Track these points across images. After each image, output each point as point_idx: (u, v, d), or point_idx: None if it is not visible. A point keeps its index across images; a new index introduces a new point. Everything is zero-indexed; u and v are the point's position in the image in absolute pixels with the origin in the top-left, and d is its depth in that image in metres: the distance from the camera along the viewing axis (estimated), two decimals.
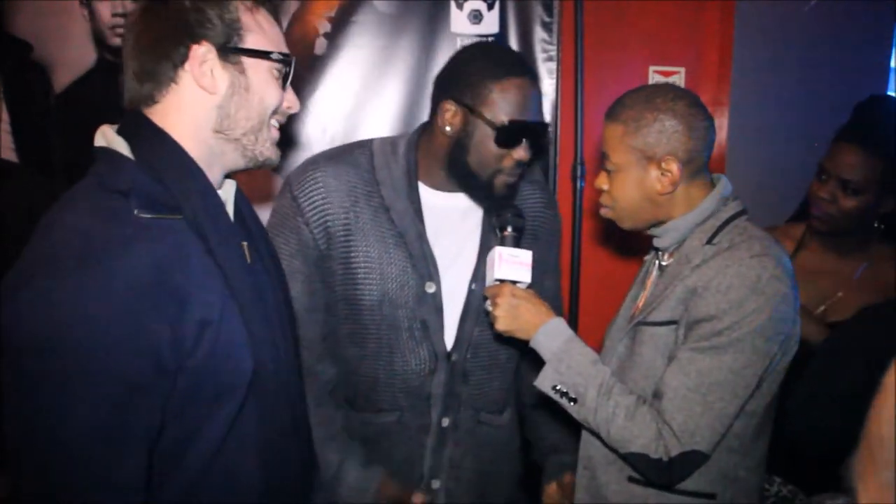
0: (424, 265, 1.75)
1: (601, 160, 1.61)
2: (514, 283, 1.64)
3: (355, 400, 1.85)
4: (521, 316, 1.59)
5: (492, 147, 1.67)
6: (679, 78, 2.79)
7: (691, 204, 1.55)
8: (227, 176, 1.33)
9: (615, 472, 1.59)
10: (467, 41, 2.51)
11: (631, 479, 1.57)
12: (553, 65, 2.57)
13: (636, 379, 1.54)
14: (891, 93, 2.98)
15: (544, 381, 1.56)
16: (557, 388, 1.54)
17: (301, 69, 2.50)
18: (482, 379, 1.86)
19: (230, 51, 1.20)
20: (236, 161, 1.27)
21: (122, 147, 1.19)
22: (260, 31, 1.23)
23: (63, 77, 2.62)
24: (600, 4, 2.67)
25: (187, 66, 1.19)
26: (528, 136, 1.68)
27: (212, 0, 1.19)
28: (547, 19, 2.56)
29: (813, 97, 2.84)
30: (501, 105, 1.65)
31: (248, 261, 1.27)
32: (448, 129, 1.70)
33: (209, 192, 1.21)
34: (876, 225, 2.04)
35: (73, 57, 2.60)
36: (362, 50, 2.55)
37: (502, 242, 1.67)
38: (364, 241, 1.73)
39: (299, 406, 1.40)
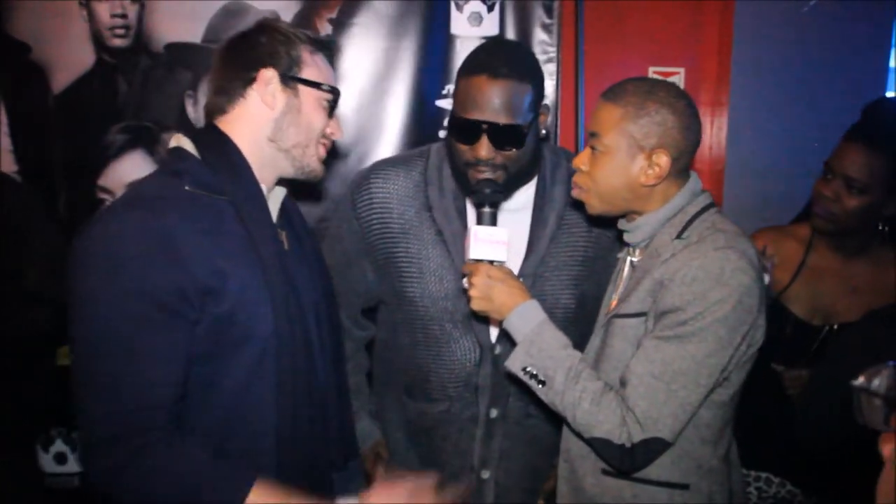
0: (461, 260, 1.82)
1: (588, 138, 1.61)
2: (492, 262, 1.66)
3: (411, 390, 1.96)
4: (495, 297, 1.62)
5: (454, 143, 1.77)
6: (679, 78, 2.79)
7: (666, 200, 1.57)
8: (281, 183, 1.60)
9: (590, 465, 1.61)
10: (467, 43, 2.52)
11: (605, 472, 1.60)
12: (553, 66, 2.57)
13: (608, 370, 1.56)
14: (890, 93, 2.99)
15: (515, 363, 1.59)
16: (527, 369, 1.57)
17: None
18: None
19: (290, 78, 1.51)
20: (286, 168, 1.56)
21: (188, 146, 1.50)
22: (315, 67, 1.55)
23: (61, 78, 2.61)
24: (600, 5, 2.68)
25: (255, 85, 1.50)
26: (479, 132, 1.70)
27: (282, 39, 1.52)
28: (547, 21, 2.56)
29: (812, 98, 2.84)
30: (459, 101, 1.74)
31: (286, 247, 1.54)
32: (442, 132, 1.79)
33: (253, 184, 1.49)
34: (880, 227, 2.04)
35: (71, 58, 2.59)
36: (363, 52, 2.55)
37: (479, 220, 1.70)
38: (405, 239, 1.87)
39: (323, 388, 1.58)
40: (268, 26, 1.55)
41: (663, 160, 1.52)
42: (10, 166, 2.60)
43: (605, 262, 1.88)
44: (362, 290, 2.00)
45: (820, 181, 2.06)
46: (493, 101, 1.68)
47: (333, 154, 2.56)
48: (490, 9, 2.53)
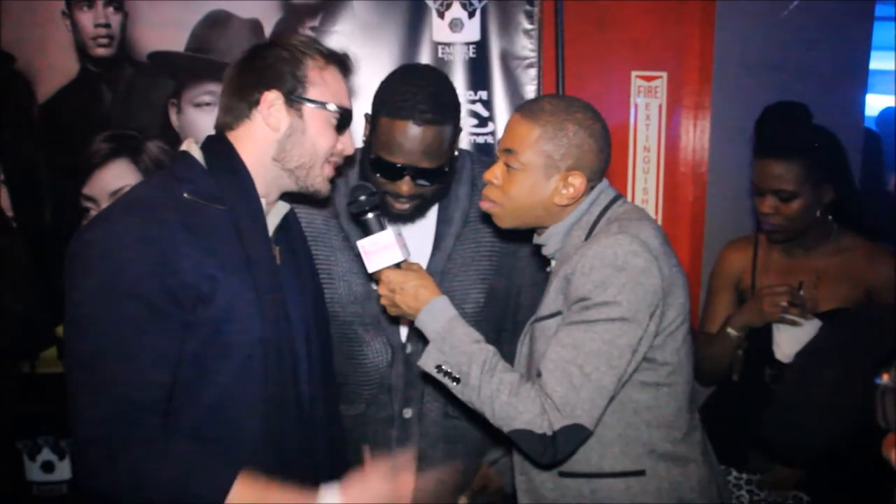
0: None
1: (501, 154, 1.60)
2: (398, 265, 1.64)
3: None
4: (399, 302, 1.61)
5: (373, 175, 1.80)
6: (661, 82, 2.81)
7: (572, 211, 1.60)
8: (287, 198, 1.61)
9: (547, 470, 1.61)
10: (448, 49, 2.55)
11: (562, 474, 1.59)
12: (534, 71, 2.59)
13: (533, 373, 1.56)
14: (870, 94, 3.01)
15: (428, 361, 1.57)
16: (441, 367, 1.55)
17: None
18: None
19: (294, 99, 1.49)
20: (290, 186, 1.56)
21: (196, 153, 1.51)
22: (323, 86, 1.52)
23: (46, 87, 2.62)
24: (581, 11, 2.69)
25: (259, 107, 1.49)
26: (402, 174, 1.76)
27: (288, 58, 1.50)
28: (528, 26, 2.57)
29: (793, 99, 2.86)
30: (381, 142, 1.75)
31: (277, 261, 1.54)
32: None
33: (253, 199, 1.50)
34: (819, 214, 2.10)
35: (55, 67, 2.61)
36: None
37: (364, 230, 1.66)
38: (314, 246, 1.85)
39: (309, 399, 1.57)
40: (276, 44, 1.53)
41: (578, 182, 1.55)
42: None
43: (514, 256, 1.93)
44: None
45: (756, 200, 2.15)
46: (417, 148, 1.72)
47: None
48: (471, 15, 2.55)
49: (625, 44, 2.77)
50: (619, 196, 1.64)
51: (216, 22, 2.55)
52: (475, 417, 1.92)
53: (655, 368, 1.55)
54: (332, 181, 1.85)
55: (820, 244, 2.14)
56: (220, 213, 1.45)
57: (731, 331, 2.12)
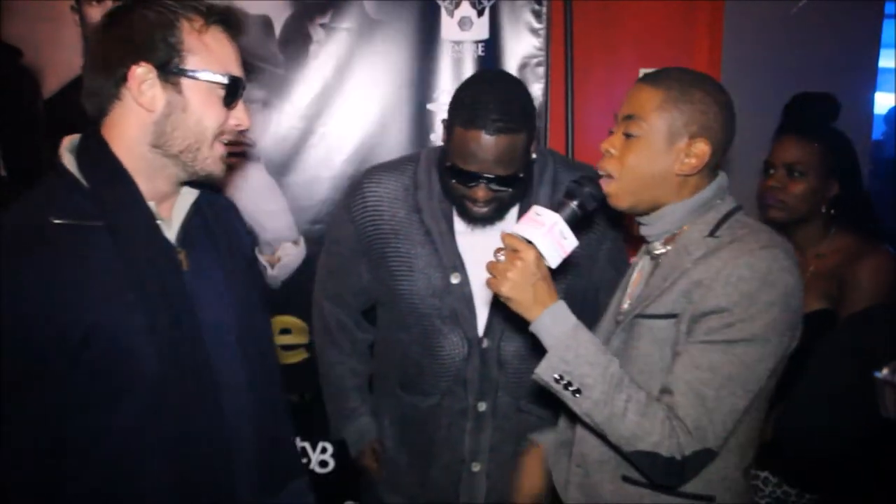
0: (449, 258, 1.91)
1: (620, 123, 1.49)
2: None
3: (406, 384, 2.02)
4: (533, 290, 1.41)
5: (449, 180, 1.85)
6: None
7: (694, 193, 1.49)
8: (193, 184, 1.39)
9: (609, 471, 1.53)
10: (458, 47, 2.55)
11: (626, 479, 1.51)
12: (542, 70, 2.58)
13: (632, 374, 1.45)
14: (879, 92, 3.01)
15: (547, 370, 1.42)
16: (561, 377, 1.41)
17: (295, 75, 2.53)
18: (519, 367, 1.94)
19: (170, 72, 1.26)
20: (178, 174, 1.34)
21: (67, 160, 1.30)
22: (205, 53, 1.28)
23: (52, 82, 2.61)
24: (589, 7, 2.68)
25: (128, 84, 1.26)
26: (477, 180, 1.79)
27: (158, 23, 1.25)
28: (536, 25, 2.56)
29: None
30: (456, 151, 1.79)
31: (185, 267, 1.34)
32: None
33: (134, 203, 1.28)
34: (825, 210, 2.16)
35: (62, 62, 2.59)
36: (355, 56, 2.55)
37: (559, 209, 1.48)
38: (396, 239, 1.93)
39: (236, 415, 1.39)
40: (143, 4, 1.27)
41: (703, 149, 1.44)
42: None
43: (592, 258, 1.96)
44: (359, 291, 2.08)
45: (762, 180, 2.22)
46: (490, 157, 1.74)
47: (324, 159, 2.58)
48: (480, 13, 2.54)
49: (633, 42, 2.76)
50: (741, 206, 1.56)
51: None
52: (545, 413, 1.95)
53: (762, 394, 1.47)
54: (412, 176, 1.93)
55: (812, 245, 2.17)
56: (97, 234, 1.25)
57: None
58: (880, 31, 2.97)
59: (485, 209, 1.83)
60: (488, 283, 1.47)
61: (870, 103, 3.05)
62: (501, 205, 1.85)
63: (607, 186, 1.49)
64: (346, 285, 2.07)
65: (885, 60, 3.12)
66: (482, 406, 1.95)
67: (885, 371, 1.08)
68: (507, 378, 1.95)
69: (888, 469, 1.26)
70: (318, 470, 2.72)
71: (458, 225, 1.93)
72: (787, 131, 2.19)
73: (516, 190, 1.84)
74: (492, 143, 1.73)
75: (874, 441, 1.51)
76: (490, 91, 1.76)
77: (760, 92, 2.84)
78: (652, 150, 1.45)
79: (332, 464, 2.72)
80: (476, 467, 1.98)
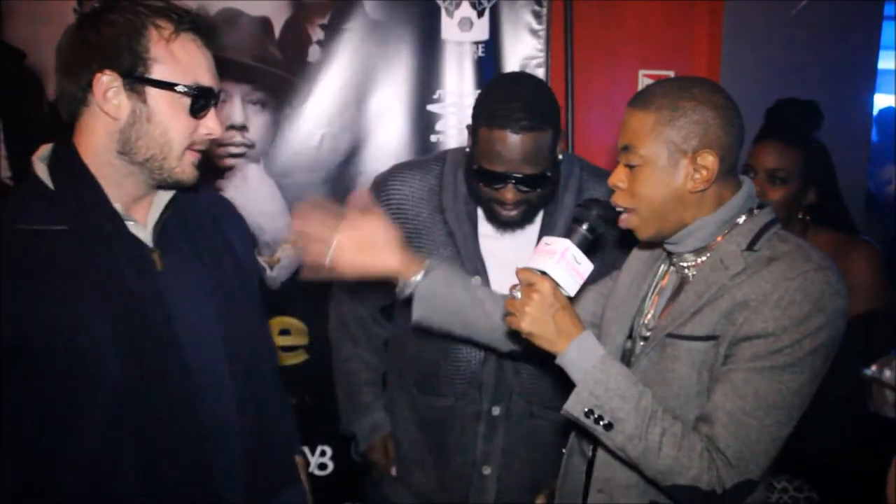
0: (471, 261, 1.90)
1: (620, 154, 1.44)
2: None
3: (421, 384, 2.01)
4: (554, 322, 1.37)
5: (476, 182, 1.83)
6: None
7: (720, 203, 1.40)
8: (171, 188, 1.38)
9: (636, 497, 1.45)
10: (458, 48, 2.56)
11: None
12: (542, 71, 2.59)
13: (666, 397, 1.37)
14: (878, 94, 3.01)
15: (576, 405, 1.36)
16: (591, 412, 1.34)
17: (295, 76, 2.54)
18: (534, 372, 1.94)
19: (135, 80, 1.25)
20: (146, 181, 1.33)
21: (39, 168, 1.31)
22: (171, 62, 1.27)
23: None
24: (589, 9, 2.69)
25: (93, 91, 1.25)
26: (504, 181, 1.77)
27: (124, 29, 1.24)
28: (536, 26, 2.57)
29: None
30: (482, 151, 1.77)
31: (160, 267, 1.33)
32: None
33: (99, 206, 1.28)
34: (801, 216, 2.17)
35: None
36: (355, 57, 2.56)
37: (569, 235, 1.44)
38: (418, 239, 1.92)
39: (218, 416, 1.36)
40: (111, 9, 1.26)
41: (710, 160, 1.35)
42: (3, 172, 2.61)
43: (614, 267, 1.87)
44: (378, 287, 2.05)
45: None
46: (516, 156, 1.74)
47: (323, 160, 2.59)
48: (480, 14, 2.55)
49: (633, 42, 2.78)
50: (777, 218, 1.47)
51: (225, 20, 2.54)
52: (559, 419, 1.91)
53: None
54: (437, 177, 1.92)
55: None
56: (63, 239, 1.24)
57: None
58: (880, 32, 2.98)
59: (514, 212, 1.82)
60: (509, 322, 1.42)
61: (869, 105, 3.06)
62: (530, 207, 1.84)
63: (627, 222, 1.44)
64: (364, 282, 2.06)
65: (885, 62, 3.12)
66: (496, 410, 1.95)
67: (873, 368, 1.10)
68: (522, 383, 1.94)
69: (886, 470, 1.26)
70: (317, 473, 2.72)
71: (482, 228, 1.92)
72: (770, 136, 2.17)
73: (544, 191, 1.83)
74: (518, 142, 1.73)
75: (874, 441, 1.51)
76: (513, 91, 1.77)
77: (760, 93, 2.84)
78: (658, 176, 1.38)
79: (331, 466, 2.73)
80: (487, 470, 1.98)
